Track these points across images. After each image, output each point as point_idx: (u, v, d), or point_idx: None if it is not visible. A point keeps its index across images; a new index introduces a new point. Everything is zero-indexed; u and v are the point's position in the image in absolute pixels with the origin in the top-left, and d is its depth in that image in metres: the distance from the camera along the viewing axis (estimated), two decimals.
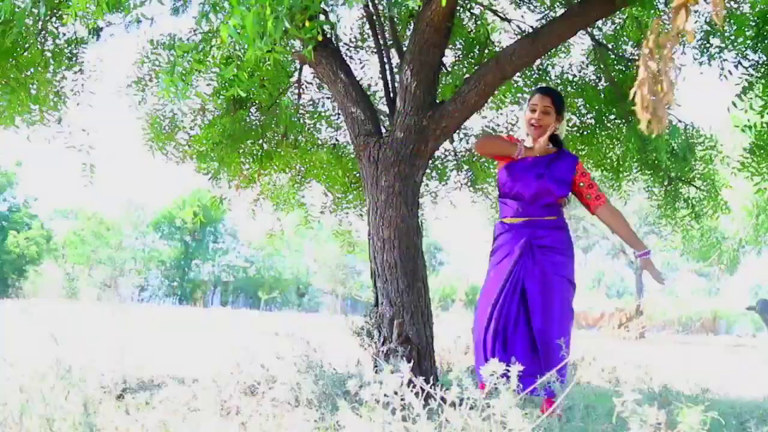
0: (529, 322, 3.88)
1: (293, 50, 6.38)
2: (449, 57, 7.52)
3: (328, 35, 5.89)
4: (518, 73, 6.78)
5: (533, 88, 4.30)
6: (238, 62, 4.86)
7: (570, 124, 7.17)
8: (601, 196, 4.20)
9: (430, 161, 6.21)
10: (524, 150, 4.14)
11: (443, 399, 2.48)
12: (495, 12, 7.16)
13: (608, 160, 7.07)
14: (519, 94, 7.34)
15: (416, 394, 2.47)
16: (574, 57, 7.38)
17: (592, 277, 62.56)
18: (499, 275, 4.02)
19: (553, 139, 4.25)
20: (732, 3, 6.04)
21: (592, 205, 4.19)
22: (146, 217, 50.12)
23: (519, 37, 6.81)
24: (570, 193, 4.26)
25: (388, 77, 6.17)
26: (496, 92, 6.89)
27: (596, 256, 47.94)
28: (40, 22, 5.65)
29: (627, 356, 9.17)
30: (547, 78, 7.27)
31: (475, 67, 6.76)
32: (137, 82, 6.67)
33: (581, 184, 4.19)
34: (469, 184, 7.74)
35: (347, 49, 7.63)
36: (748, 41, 5.66)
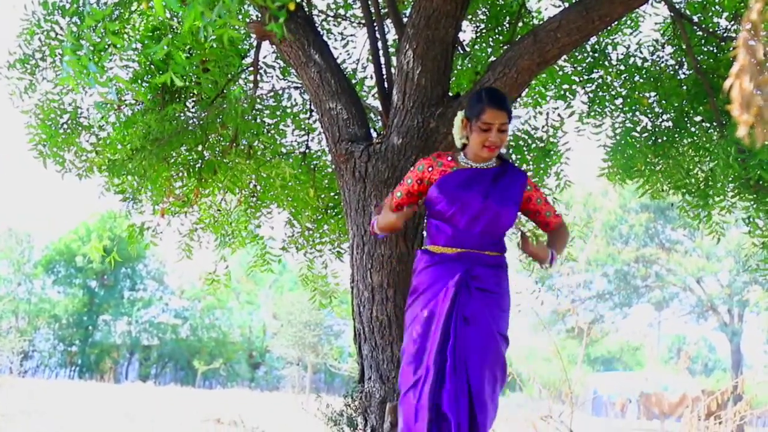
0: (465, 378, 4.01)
1: (248, 20, 6.41)
2: (468, 32, 7.57)
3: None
4: (564, 56, 6.82)
5: (480, 98, 4.33)
6: (169, 36, 4.88)
7: (639, 128, 7.20)
8: (556, 211, 4.51)
9: None
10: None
11: None
12: None
13: (693, 180, 7.09)
14: (565, 86, 7.38)
15: None
16: (645, 33, 7.45)
17: (668, 345, 62.46)
18: (429, 323, 4.11)
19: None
20: None
21: (552, 223, 4.48)
22: (34, 253, 49.87)
23: (566, 4, 6.86)
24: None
25: (382, 60, 6.20)
26: (533, 82, 6.92)
27: (674, 315, 47.88)
28: None
29: None
30: (606, 62, 7.31)
31: (504, 47, 6.79)
32: (23, 61, 6.67)
33: (538, 200, 4.43)
34: None
35: (324, 20, 7.67)
36: None
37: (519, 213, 4.41)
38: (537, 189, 4.44)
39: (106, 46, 4.17)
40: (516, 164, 7.30)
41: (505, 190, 4.28)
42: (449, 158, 4.36)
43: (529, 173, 7.34)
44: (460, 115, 4.32)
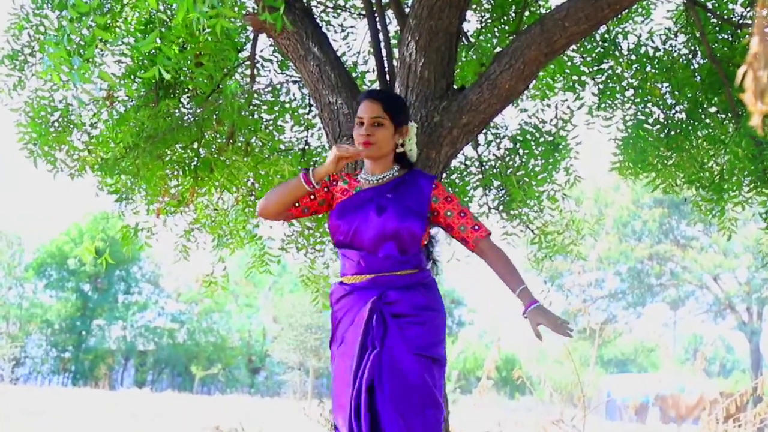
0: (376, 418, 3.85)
1: (244, 12, 6.41)
2: (472, 22, 7.57)
3: None
4: (573, 46, 6.81)
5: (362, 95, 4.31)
6: (162, 29, 4.88)
7: (651, 120, 7.19)
8: (481, 225, 4.14)
9: (444, 174, 6.21)
10: (317, 172, 4.11)
11: None
12: None
13: (707, 173, 7.08)
14: (575, 77, 7.37)
15: None
16: (657, 21, 7.43)
17: (684, 346, 62.38)
18: (345, 362, 4.01)
19: (401, 159, 4.29)
20: None
21: (470, 239, 4.12)
22: (24, 256, 49.91)
23: None
24: (436, 229, 4.32)
25: (384, 52, 6.19)
26: (541, 73, 6.92)
27: (690, 314, 47.88)
28: None
29: None
30: (616, 52, 7.30)
31: (511, 37, 6.79)
32: (12, 57, 6.67)
33: (448, 213, 4.16)
34: (501, 207, 7.74)
35: (322, 11, 7.67)
36: None
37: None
38: (448, 199, 4.18)
39: (95, 41, 4.15)
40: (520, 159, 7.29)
41: (403, 201, 4.12)
42: (354, 179, 4.28)
43: (537, 168, 7.32)
44: None
